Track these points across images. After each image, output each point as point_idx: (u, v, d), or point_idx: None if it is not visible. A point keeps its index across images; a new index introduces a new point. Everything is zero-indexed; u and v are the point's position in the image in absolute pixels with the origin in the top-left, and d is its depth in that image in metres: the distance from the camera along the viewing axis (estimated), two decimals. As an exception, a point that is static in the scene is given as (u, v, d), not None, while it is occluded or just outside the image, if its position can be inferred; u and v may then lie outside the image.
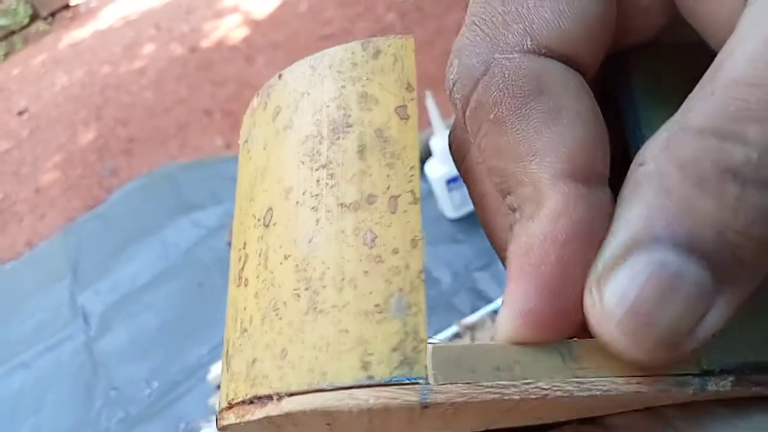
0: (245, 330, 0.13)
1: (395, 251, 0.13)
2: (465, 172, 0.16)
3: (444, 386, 0.12)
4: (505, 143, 0.13)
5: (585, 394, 0.12)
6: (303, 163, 0.14)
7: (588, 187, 0.12)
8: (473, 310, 0.47)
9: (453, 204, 0.52)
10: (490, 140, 0.13)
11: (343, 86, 0.14)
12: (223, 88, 2.23)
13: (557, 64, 0.13)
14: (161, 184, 0.74)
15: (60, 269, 0.69)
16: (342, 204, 0.13)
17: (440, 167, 0.48)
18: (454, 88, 0.13)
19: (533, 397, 0.12)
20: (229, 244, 0.72)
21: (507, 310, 0.12)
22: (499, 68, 0.13)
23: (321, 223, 0.13)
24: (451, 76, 0.13)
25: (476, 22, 0.13)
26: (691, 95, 0.11)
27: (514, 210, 0.13)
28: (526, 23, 0.13)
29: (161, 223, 0.67)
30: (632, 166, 0.12)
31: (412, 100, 0.14)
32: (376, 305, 0.12)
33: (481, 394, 0.12)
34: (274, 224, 0.14)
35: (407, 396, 0.12)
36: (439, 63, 1.85)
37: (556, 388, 0.12)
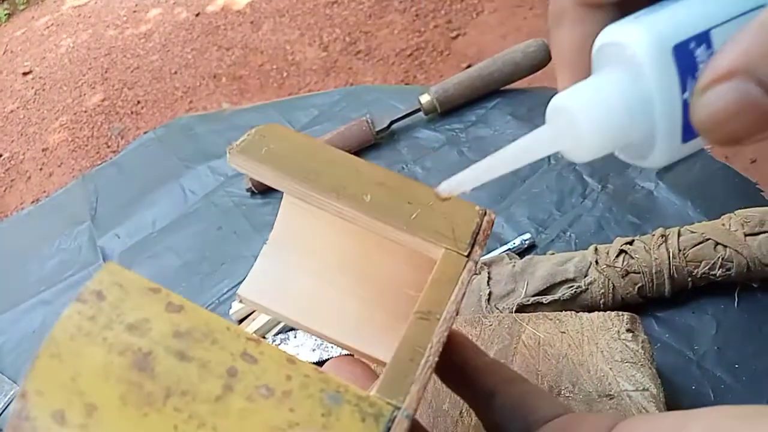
0: None
1: None
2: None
3: None
4: None
5: None
6: None
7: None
8: (488, 251, 0.49)
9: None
10: None
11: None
12: (230, 53, 2.23)
13: None
14: (177, 134, 0.75)
15: (78, 214, 0.70)
16: None
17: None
18: None
19: None
20: (248, 190, 0.74)
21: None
22: None
23: None
24: None
25: None
26: None
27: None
28: None
29: (179, 171, 0.69)
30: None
31: None
32: None
33: None
34: None
35: None
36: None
37: None
